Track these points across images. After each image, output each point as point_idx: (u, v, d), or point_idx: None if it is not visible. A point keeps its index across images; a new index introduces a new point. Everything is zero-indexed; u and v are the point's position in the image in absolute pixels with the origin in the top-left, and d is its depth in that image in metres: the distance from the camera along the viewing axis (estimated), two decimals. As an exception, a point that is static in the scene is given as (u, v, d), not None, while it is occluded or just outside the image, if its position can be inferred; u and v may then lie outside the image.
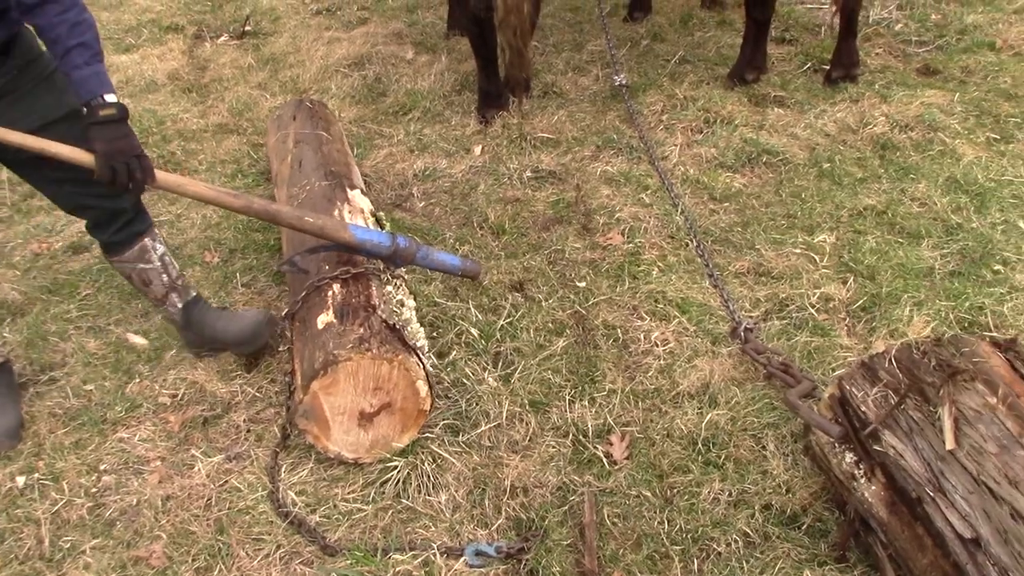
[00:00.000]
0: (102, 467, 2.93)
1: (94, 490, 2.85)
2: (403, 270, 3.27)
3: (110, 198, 2.95)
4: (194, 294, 3.37)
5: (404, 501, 2.74)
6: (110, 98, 2.58)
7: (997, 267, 3.53)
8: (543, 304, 3.53)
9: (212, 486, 2.82)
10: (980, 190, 4.05)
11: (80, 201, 2.97)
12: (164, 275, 3.23)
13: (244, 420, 3.09)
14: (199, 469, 2.88)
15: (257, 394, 3.20)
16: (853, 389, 2.47)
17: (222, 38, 6.71)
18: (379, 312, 2.89)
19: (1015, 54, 5.32)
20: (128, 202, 3.03)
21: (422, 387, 2.78)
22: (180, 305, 3.30)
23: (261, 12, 7.08)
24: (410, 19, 6.76)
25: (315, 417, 2.75)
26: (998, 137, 4.50)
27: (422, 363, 2.80)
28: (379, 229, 3.47)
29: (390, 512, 2.71)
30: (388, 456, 2.83)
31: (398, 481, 2.78)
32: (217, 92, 5.73)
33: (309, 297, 3.00)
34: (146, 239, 3.15)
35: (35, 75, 2.74)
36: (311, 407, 2.73)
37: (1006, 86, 4.97)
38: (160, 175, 2.79)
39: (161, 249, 3.22)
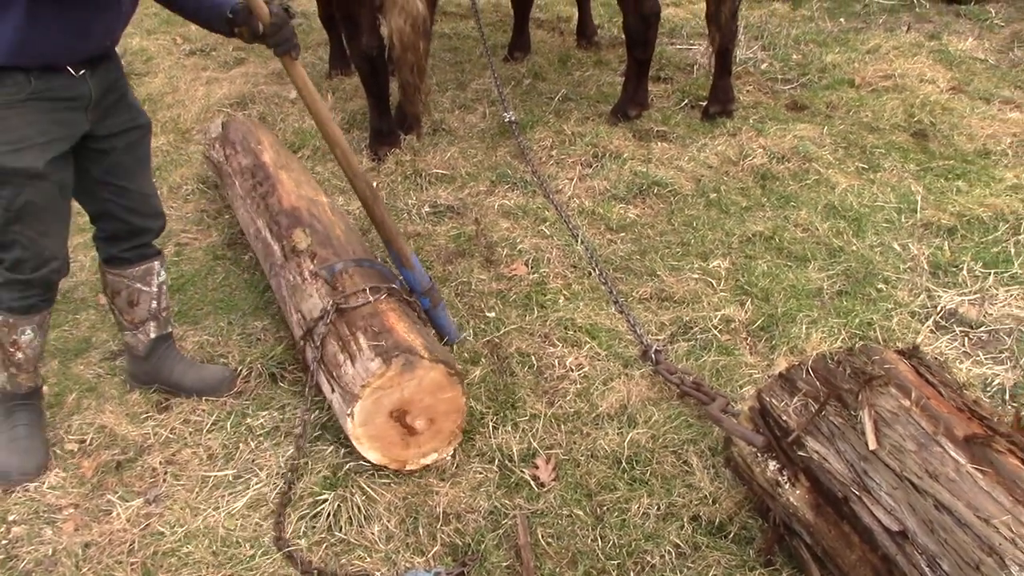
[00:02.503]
0: (11, 518, 2.79)
1: (4, 542, 2.71)
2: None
3: (139, 215, 2.99)
4: (169, 330, 3.32)
5: (337, 534, 2.71)
6: None
7: (880, 286, 3.77)
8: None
9: (134, 530, 2.72)
10: (856, 215, 4.32)
11: (108, 208, 2.95)
12: (154, 302, 3.19)
13: (160, 462, 2.99)
14: (118, 514, 2.78)
15: (171, 435, 3.10)
16: (773, 400, 2.59)
17: (93, 78, 6.51)
18: None
19: (872, 90, 5.72)
20: (157, 224, 3.09)
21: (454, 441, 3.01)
22: (153, 336, 3.23)
23: (132, 52, 6.91)
24: (289, 59, 6.72)
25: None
26: (866, 166, 4.81)
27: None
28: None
29: (324, 545, 2.67)
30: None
31: (329, 514, 2.75)
32: (94, 132, 5.55)
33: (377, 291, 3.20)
34: (155, 262, 3.14)
35: (123, 86, 2.90)
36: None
37: (868, 119, 5.33)
38: None
39: (163, 276, 3.20)
